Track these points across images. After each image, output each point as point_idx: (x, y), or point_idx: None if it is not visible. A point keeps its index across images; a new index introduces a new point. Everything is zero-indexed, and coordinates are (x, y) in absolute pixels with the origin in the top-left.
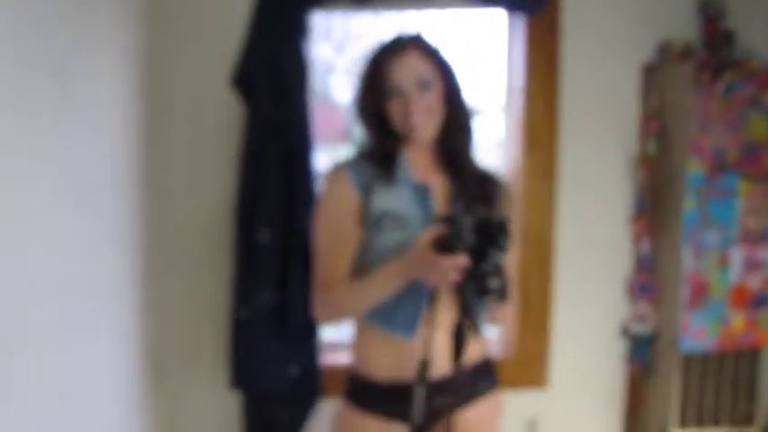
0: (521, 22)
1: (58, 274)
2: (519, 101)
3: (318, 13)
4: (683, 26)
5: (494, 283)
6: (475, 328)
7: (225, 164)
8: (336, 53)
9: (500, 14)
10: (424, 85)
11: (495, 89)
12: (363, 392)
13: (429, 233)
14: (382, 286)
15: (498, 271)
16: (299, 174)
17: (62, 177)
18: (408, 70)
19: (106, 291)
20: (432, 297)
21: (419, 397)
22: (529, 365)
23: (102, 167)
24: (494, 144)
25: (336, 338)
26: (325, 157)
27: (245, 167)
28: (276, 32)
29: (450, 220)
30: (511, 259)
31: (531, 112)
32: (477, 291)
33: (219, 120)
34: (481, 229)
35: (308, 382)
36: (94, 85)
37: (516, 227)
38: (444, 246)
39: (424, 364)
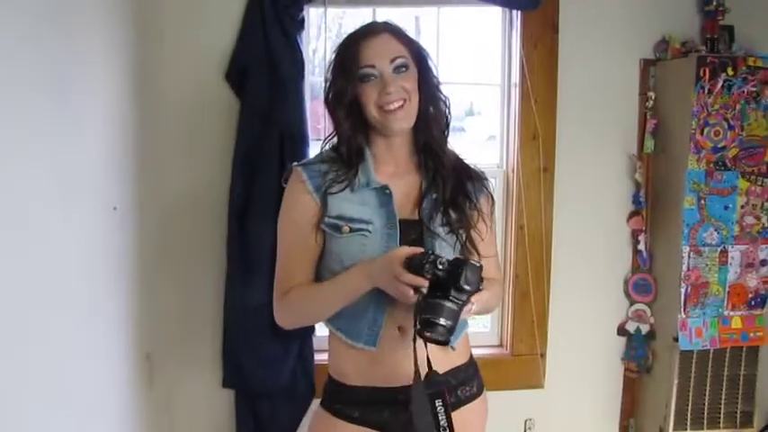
0: (518, 18)
1: (53, 273)
2: (517, 96)
3: (314, 9)
4: (683, 22)
5: (441, 320)
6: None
7: (220, 160)
8: (332, 49)
9: (496, 10)
10: (399, 67)
11: (493, 84)
12: (336, 396)
13: (408, 250)
14: (344, 291)
15: (451, 314)
16: None
17: (56, 176)
18: (382, 51)
19: (101, 289)
20: (393, 305)
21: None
22: (526, 365)
23: (97, 166)
24: (490, 139)
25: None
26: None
27: (239, 163)
28: (272, 27)
29: (426, 252)
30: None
31: (528, 108)
32: (422, 322)
33: (214, 115)
34: (452, 266)
35: (302, 381)
36: (88, 84)
37: (512, 223)
38: (413, 266)
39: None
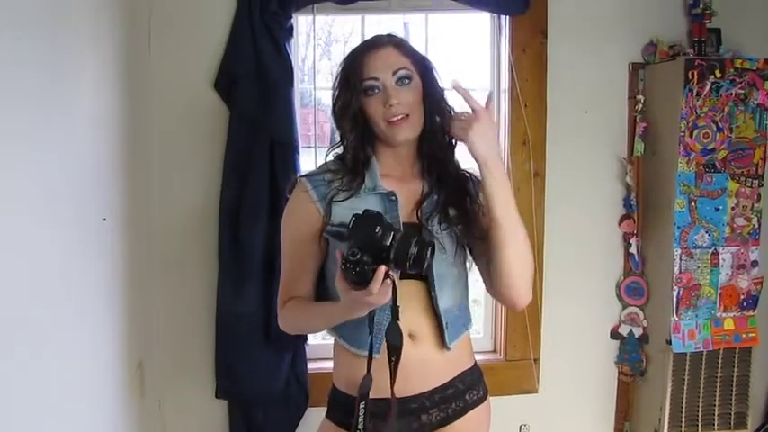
0: (506, 24)
1: (43, 284)
2: (506, 102)
3: (302, 17)
4: (671, 26)
5: (414, 250)
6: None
7: (210, 168)
8: (321, 56)
9: (485, 16)
10: (402, 79)
11: (482, 90)
12: (339, 406)
13: (338, 283)
14: (333, 320)
15: (406, 242)
16: (284, 175)
17: (44, 188)
18: (385, 63)
19: (92, 299)
20: (395, 311)
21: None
22: (519, 370)
23: (85, 176)
24: None
25: (325, 345)
26: (310, 159)
27: (229, 171)
28: (260, 35)
29: (344, 259)
30: None
31: (518, 113)
32: (415, 267)
33: (204, 124)
34: (363, 240)
35: (296, 390)
36: (76, 93)
37: None
38: (354, 278)
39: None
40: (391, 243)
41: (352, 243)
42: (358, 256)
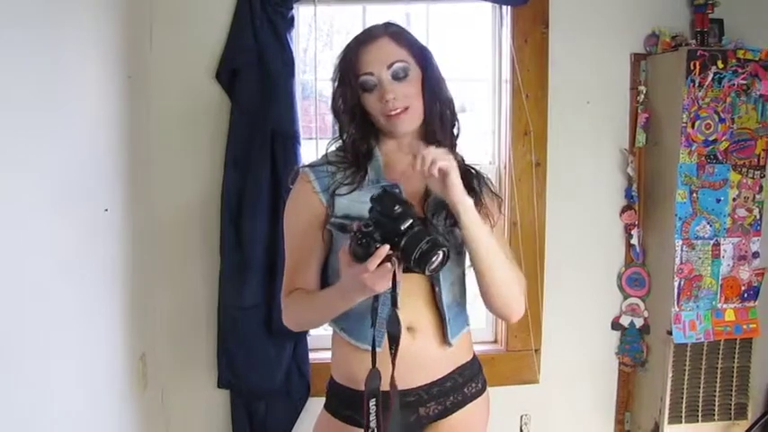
0: (508, 14)
1: (45, 275)
2: (508, 92)
3: (303, 7)
4: (673, 16)
5: (423, 245)
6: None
7: (211, 159)
8: (323, 47)
9: (486, 6)
10: (398, 73)
11: (484, 80)
12: (345, 402)
13: (341, 254)
14: (332, 306)
15: (420, 235)
16: (285, 167)
17: (47, 179)
18: (379, 57)
19: (94, 291)
20: (394, 299)
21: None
22: (521, 361)
23: (87, 167)
24: (482, 135)
25: (326, 336)
26: (311, 150)
27: (231, 162)
28: (261, 26)
29: (350, 230)
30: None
31: (520, 103)
32: (418, 261)
33: (205, 115)
34: (375, 217)
35: (297, 381)
36: (78, 85)
37: (505, 219)
38: (359, 253)
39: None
40: (406, 230)
41: (371, 215)
42: (370, 229)
